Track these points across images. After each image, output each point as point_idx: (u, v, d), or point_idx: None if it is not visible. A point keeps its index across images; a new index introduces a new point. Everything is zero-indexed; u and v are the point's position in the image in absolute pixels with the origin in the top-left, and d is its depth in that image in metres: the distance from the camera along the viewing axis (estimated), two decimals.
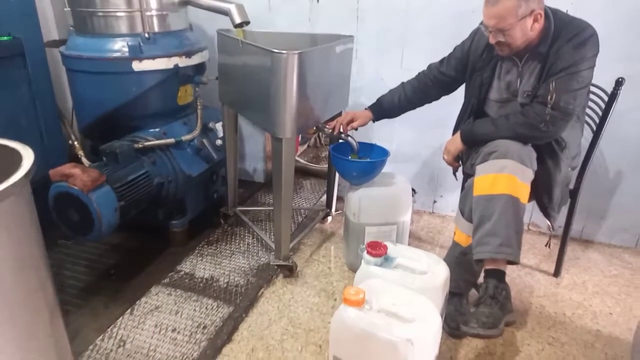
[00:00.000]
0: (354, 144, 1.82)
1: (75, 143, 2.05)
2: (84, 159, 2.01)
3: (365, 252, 1.39)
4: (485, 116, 1.66)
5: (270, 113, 1.61)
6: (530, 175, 1.43)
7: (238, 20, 1.81)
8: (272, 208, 2.33)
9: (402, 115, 1.94)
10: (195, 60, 1.98)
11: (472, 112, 1.68)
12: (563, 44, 1.40)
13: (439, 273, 1.35)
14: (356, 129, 1.81)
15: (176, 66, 1.89)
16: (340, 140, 1.88)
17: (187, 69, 1.96)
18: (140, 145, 1.84)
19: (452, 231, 2.32)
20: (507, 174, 1.39)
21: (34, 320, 0.94)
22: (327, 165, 2.83)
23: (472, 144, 1.57)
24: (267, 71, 1.55)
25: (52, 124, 2.05)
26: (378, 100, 1.86)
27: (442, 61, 1.76)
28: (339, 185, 2.40)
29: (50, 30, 2.44)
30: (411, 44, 2.21)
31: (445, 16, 2.10)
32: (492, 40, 1.46)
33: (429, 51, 2.05)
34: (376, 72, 2.32)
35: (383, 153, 1.85)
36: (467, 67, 1.66)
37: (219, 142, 2.15)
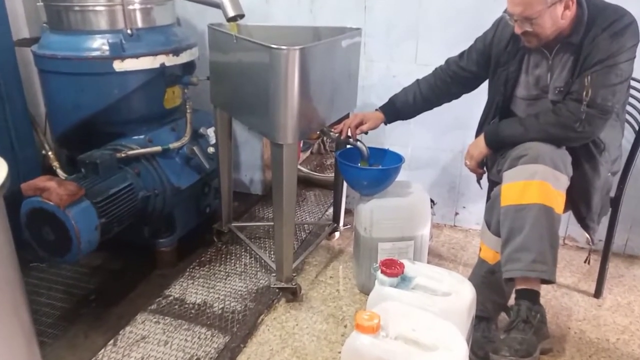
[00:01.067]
0: (364, 149, 1.84)
1: (50, 153, 2.07)
2: (59, 171, 2.03)
3: (379, 271, 1.40)
4: (512, 116, 1.67)
5: (269, 116, 1.63)
6: (565, 181, 1.44)
7: (231, 13, 1.83)
8: (271, 223, 2.35)
9: (418, 116, 1.94)
10: (183, 58, 2.01)
11: (497, 111, 1.69)
12: (598, 33, 1.41)
13: (464, 294, 1.35)
14: (366, 133, 1.83)
15: (162, 65, 1.91)
16: (348, 146, 1.89)
17: (174, 69, 1.99)
18: (122, 155, 1.86)
19: (477, 247, 2.32)
20: (538, 181, 1.39)
21: (8, 349, 0.95)
22: (333, 174, 2.84)
23: (498, 147, 1.58)
24: (265, 69, 1.58)
25: (24, 132, 2.07)
26: (390, 100, 1.87)
27: (461, 55, 1.77)
28: (347, 196, 2.41)
29: (21, 27, 2.48)
30: (426, 36, 2.23)
31: (464, 4, 2.12)
32: (518, 31, 1.47)
33: (446, 44, 2.08)
34: (387, 69, 2.34)
35: (397, 159, 1.86)
36: (491, 61, 1.68)
37: (211, 149, 2.17)
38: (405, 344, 1.17)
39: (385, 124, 1.87)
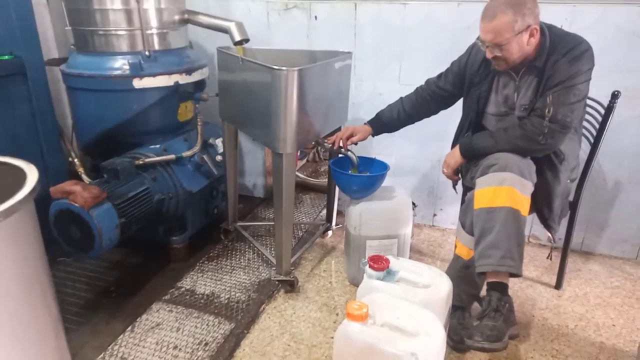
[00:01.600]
0: (354, 158, 1.84)
1: (76, 160, 2.05)
2: (84, 176, 2.02)
3: (368, 266, 1.40)
4: (484, 130, 1.68)
5: (270, 129, 1.62)
6: (530, 187, 1.45)
7: (238, 37, 1.83)
8: (272, 223, 2.34)
9: (402, 129, 1.95)
10: (195, 77, 2.00)
11: (471, 125, 1.70)
12: (559, 58, 1.42)
13: (442, 286, 1.35)
14: (356, 144, 1.83)
15: (176, 83, 1.91)
16: (340, 155, 1.90)
17: (187, 86, 1.99)
18: (140, 162, 1.85)
19: (452, 244, 2.33)
20: (507, 187, 1.40)
21: (39, 336, 0.94)
22: (326, 180, 2.85)
23: (472, 157, 1.58)
24: (267, 87, 1.58)
25: (53, 142, 2.06)
26: (377, 115, 1.88)
27: (439, 76, 1.79)
28: (339, 199, 2.41)
29: (50, 48, 2.47)
30: (408, 59, 2.24)
31: (441, 32, 2.14)
32: (489, 55, 1.48)
33: (425, 66, 2.09)
34: (374, 87, 2.35)
35: (383, 167, 1.87)
36: (465, 82, 1.69)
37: (219, 157, 2.16)
38: (390, 330, 1.17)
39: (373, 136, 1.88)
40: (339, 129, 1.98)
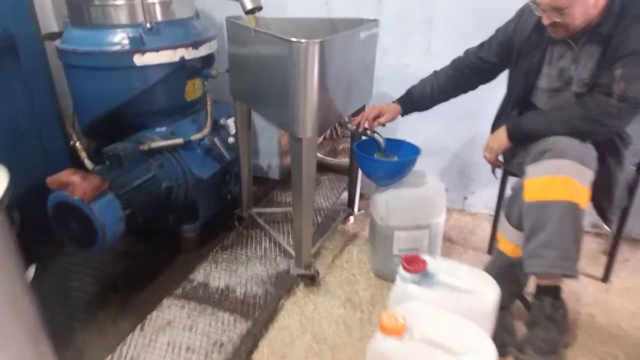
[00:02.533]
0: (381, 141, 1.65)
1: (77, 144, 1.90)
2: (86, 161, 1.86)
3: (401, 267, 1.23)
4: (533, 107, 1.48)
5: (288, 110, 1.44)
6: (590, 176, 1.25)
7: (249, 5, 1.63)
8: (289, 209, 2.19)
9: None
10: (203, 51, 1.81)
11: (518, 103, 1.49)
12: (631, 23, 1.20)
13: (488, 293, 1.19)
14: (383, 125, 1.64)
15: (182, 59, 1.72)
16: (365, 137, 1.71)
17: (194, 62, 1.80)
18: (145, 147, 1.69)
19: (485, 230, 2.15)
20: (564, 177, 1.21)
21: (7, 350, 0.81)
22: (345, 159, 2.67)
23: (521, 140, 1.38)
24: (284, 63, 1.38)
25: (52, 124, 1.91)
26: (407, 91, 1.68)
27: (481, 46, 1.57)
28: (361, 183, 2.23)
29: (50, 21, 2.28)
30: (439, 27, 2.01)
31: None
32: (545, 21, 1.26)
33: (459, 34, 1.88)
34: (399, 59, 2.13)
35: (413, 151, 1.68)
36: (512, 52, 1.47)
37: (231, 139, 1.99)
38: (431, 346, 1.02)
39: (402, 115, 1.68)
40: (363, 108, 1.78)
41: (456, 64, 1.62)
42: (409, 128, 2.18)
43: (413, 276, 1.21)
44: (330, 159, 2.76)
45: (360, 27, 1.62)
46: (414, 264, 1.22)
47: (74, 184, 1.44)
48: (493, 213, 2.24)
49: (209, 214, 2.03)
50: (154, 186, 1.70)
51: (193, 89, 1.89)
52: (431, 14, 2.00)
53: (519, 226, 1.35)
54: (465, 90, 1.65)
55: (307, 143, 1.46)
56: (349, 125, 1.65)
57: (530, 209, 1.27)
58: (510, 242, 1.41)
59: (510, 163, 1.52)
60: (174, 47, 1.69)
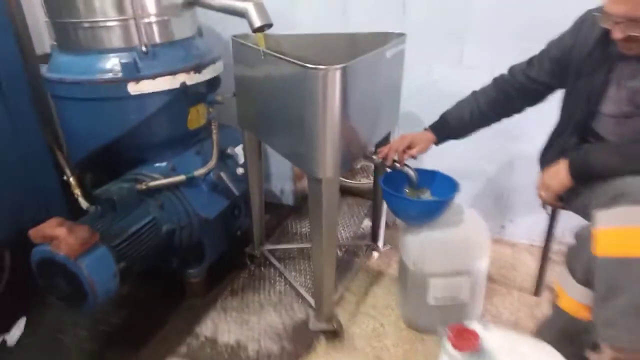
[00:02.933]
0: (413, 175, 1.44)
1: (71, 179, 1.72)
2: (80, 200, 1.68)
3: (448, 340, 1.01)
4: (594, 135, 1.25)
5: (304, 146, 1.24)
6: None
7: (258, 23, 1.43)
8: (306, 245, 1.98)
9: None
10: (206, 74, 1.62)
11: (576, 129, 1.27)
12: None
13: None
14: (415, 157, 1.42)
15: (183, 84, 1.53)
16: (389, 169, 1.50)
17: (197, 87, 1.60)
18: (143, 187, 1.50)
19: (528, 265, 1.93)
20: None
21: None
22: (365, 181, 2.46)
23: (586, 179, 1.16)
24: (301, 92, 1.18)
25: (40, 157, 1.73)
26: (442, 117, 1.46)
27: (530, 63, 1.34)
28: (386, 210, 2.01)
29: (45, 42, 2.12)
30: (473, 35, 1.79)
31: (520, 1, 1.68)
32: (618, 35, 1.04)
33: (497, 43, 1.69)
34: (428, 73, 1.91)
35: (449, 184, 1.46)
36: (569, 70, 1.25)
37: (240, 170, 1.79)
38: None
39: (436, 144, 1.46)
40: (388, 136, 1.57)
41: (500, 84, 1.39)
42: (437, 149, 1.97)
43: (464, 355, 0.99)
44: (348, 181, 2.54)
45: (386, 44, 1.41)
46: (464, 340, 1.00)
47: (59, 237, 1.25)
48: (536, 243, 2.02)
49: (217, 254, 1.84)
50: (153, 231, 1.50)
51: (197, 117, 1.70)
52: (464, 22, 1.78)
53: (586, 282, 1.13)
54: (509, 114, 1.43)
55: (327, 184, 1.25)
56: (374, 158, 1.44)
57: (605, 266, 1.04)
58: (574, 299, 1.18)
59: (570, 203, 1.28)
60: (174, 72, 1.50)
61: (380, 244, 1.97)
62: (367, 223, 2.22)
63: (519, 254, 2.02)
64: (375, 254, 1.98)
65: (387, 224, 2.09)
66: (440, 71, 1.89)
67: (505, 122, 1.75)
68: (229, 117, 1.85)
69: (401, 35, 1.50)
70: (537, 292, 1.76)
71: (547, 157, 1.40)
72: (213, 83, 1.72)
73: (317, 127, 1.19)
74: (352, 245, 2.06)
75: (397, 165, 1.42)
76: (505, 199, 2.03)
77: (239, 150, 1.85)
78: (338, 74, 1.12)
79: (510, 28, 1.72)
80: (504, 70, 1.74)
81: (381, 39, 1.52)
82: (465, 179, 1.99)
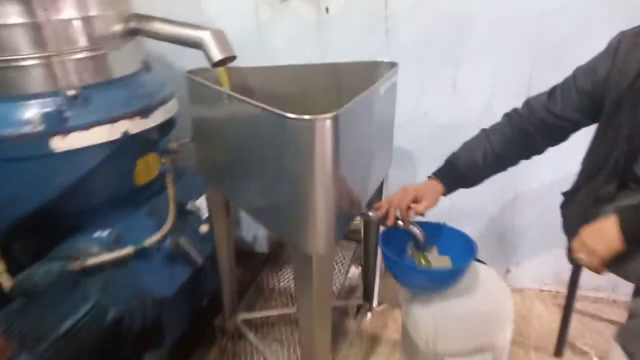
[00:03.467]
0: (419, 235, 1.18)
1: None
2: (3, 278, 1.33)
3: None
4: (636, 180, 1.04)
5: (288, 214, 0.96)
6: None
7: (218, 56, 1.16)
8: (287, 311, 1.69)
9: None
10: (156, 118, 1.32)
11: (615, 173, 1.05)
12: None
13: None
14: (422, 215, 1.16)
15: (126, 134, 1.23)
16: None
17: (145, 134, 1.31)
18: (78, 267, 1.18)
19: (541, 315, 1.71)
20: None
21: None
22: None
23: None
24: (280, 145, 0.91)
25: None
26: (449, 162, 1.22)
27: (552, 96, 1.13)
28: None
29: None
30: (467, 60, 1.58)
31: (524, 20, 1.48)
32: None
33: (495, 66, 1.51)
34: (417, 103, 1.69)
35: (461, 241, 1.22)
36: (603, 105, 1.04)
37: (203, 228, 1.50)
38: None
39: (445, 194, 1.21)
40: (381, 185, 1.33)
41: (515, 121, 1.17)
42: None
43: None
44: None
45: (375, 75, 1.17)
46: None
47: None
48: (546, 288, 1.82)
49: (179, 331, 1.52)
50: (95, 322, 1.18)
51: (146, 169, 1.40)
52: (457, 45, 1.57)
53: None
54: (529, 156, 1.21)
55: (320, 262, 0.98)
56: (371, 215, 1.17)
57: None
58: None
59: (619, 267, 1.05)
60: (113, 120, 1.20)
61: (374, 303, 1.70)
62: (354, 271, 1.95)
63: (530, 303, 1.80)
64: (369, 314, 1.71)
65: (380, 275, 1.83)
66: (431, 101, 1.67)
67: None
68: (190, 156, 1.55)
69: (393, 65, 1.27)
70: (558, 351, 1.54)
71: (574, 206, 1.18)
72: (166, 127, 1.42)
73: (304, 190, 0.92)
74: (341, 300, 1.78)
75: (401, 224, 1.16)
76: (509, 239, 1.82)
77: (201, 202, 1.56)
78: (329, 125, 0.86)
79: (510, 50, 1.52)
80: (502, 98, 1.54)
81: (369, 70, 1.28)
82: (464, 219, 1.77)
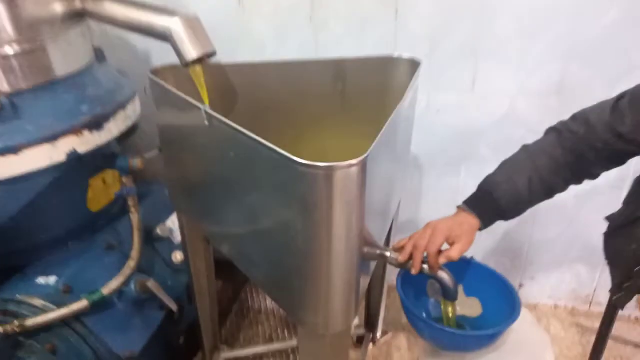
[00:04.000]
0: (449, 284, 0.96)
1: None
2: None
3: None
4: None
5: (295, 285, 0.73)
6: None
7: (192, 54, 0.88)
8: (279, 346, 1.47)
9: (472, 169, 1.40)
10: (113, 130, 1.04)
11: None
12: None
13: None
14: (456, 260, 0.93)
15: (73, 155, 0.95)
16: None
17: (99, 151, 1.03)
18: (16, 329, 0.92)
19: (561, 338, 1.56)
20: None
21: None
22: None
23: None
24: (286, 196, 0.67)
25: None
26: (485, 190, 0.98)
27: (616, 111, 0.90)
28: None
29: None
30: (490, 55, 1.35)
31: (559, 5, 1.24)
32: None
33: (522, 66, 1.31)
34: (428, 100, 1.45)
35: (494, 282, 1.01)
36: None
37: (178, 257, 1.26)
38: None
39: (481, 229, 0.99)
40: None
41: (568, 141, 0.94)
42: (441, 198, 1.54)
43: None
44: None
45: (394, 79, 0.92)
46: None
47: None
48: (561, 303, 1.68)
49: None
50: None
51: (102, 191, 1.13)
52: (478, 35, 1.32)
53: None
54: (581, 181, 0.99)
55: (335, 341, 0.75)
56: (391, 257, 0.93)
57: None
58: None
59: None
60: (54, 138, 0.92)
61: (378, 333, 1.50)
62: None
63: (546, 321, 1.64)
64: (371, 345, 1.51)
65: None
66: (445, 98, 1.43)
67: None
68: (160, 165, 1.28)
69: (415, 63, 1.02)
70: None
71: (626, 241, 0.99)
72: (126, 136, 1.15)
73: (317, 257, 0.68)
74: None
75: (425, 268, 0.94)
76: (526, 253, 1.64)
77: (173, 223, 1.30)
78: (354, 173, 0.62)
79: (539, 43, 1.29)
80: (528, 99, 1.33)
81: (381, 68, 1.03)
82: (478, 234, 1.58)
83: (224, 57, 1.43)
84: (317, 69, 1.10)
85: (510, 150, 1.44)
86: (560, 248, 1.59)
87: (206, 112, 0.76)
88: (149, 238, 1.23)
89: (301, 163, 0.60)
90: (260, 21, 1.42)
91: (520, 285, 1.71)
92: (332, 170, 0.60)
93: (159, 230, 1.22)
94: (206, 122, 0.77)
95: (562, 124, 0.97)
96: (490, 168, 1.38)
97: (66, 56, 1.02)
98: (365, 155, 0.61)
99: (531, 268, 1.66)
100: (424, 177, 1.57)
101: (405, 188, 1.20)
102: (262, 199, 0.73)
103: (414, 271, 0.92)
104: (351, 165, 0.61)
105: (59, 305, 0.97)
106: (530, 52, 1.31)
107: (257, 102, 1.09)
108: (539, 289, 1.69)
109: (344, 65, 1.09)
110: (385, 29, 1.37)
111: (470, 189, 1.54)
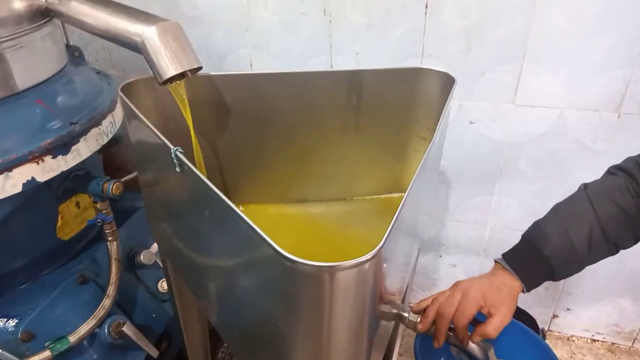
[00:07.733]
0: (479, 355, 0.81)
1: None
2: None
3: None
4: None
5: None
6: None
7: (169, 71, 0.72)
8: None
9: (509, 187, 1.26)
10: (81, 152, 0.90)
11: None
12: None
13: None
14: (493, 338, 0.78)
15: (31, 183, 0.81)
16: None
17: (67, 175, 0.89)
18: None
19: None
20: None
21: None
22: None
23: None
24: (274, 292, 0.52)
25: None
26: (530, 243, 0.81)
27: None
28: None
29: None
30: (538, 58, 1.15)
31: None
32: None
33: (576, 72, 1.11)
34: (459, 109, 1.27)
35: (531, 346, 0.86)
36: None
37: (164, 285, 1.14)
38: None
39: (524, 292, 0.82)
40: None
41: (634, 188, 0.77)
42: (469, 214, 1.38)
43: None
44: None
45: (419, 97, 0.76)
46: None
47: None
48: (599, 338, 1.52)
49: None
50: None
51: (76, 216, 0.99)
52: (524, 34, 1.13)
53: None
54: None
55: None
56: (409, 319, 0.78)
57: None
58: None
59: None
60: (4, 169, 0.78)
61: None
62: None
63: (581, 357, 1.49)
64: None
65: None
66: (481, 107, 1.25)
67: (561, 180, 1.21)
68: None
69: (450, 79, 0.85)
70: None
71: None
72: (107, 148, 1.00)
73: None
74: None
75: (453, 337, 0.79)
76: (562, 282, 1.48)
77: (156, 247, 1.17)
78: (365, 271, 0.46)
79: (598, 47, 1.09)
80: (581, 111, 1.16)
81: (407, 80, 0.85)
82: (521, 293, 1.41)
83: (224, 47, 1.28)
84: (328, 80, 0.93)
85: (554, 168, 1.26)
86: (603, 278, 1.43)
87: (176, 156, 0.61)
88: (132, 264, 1.11)
89: (301, 262, 0.45)
90: (266, 8, 1.24)
91: (554, 316, 1.55)
92: (332, 271, 0.45)
93: (142, 258, 1.09)
94: (177, 169, 0.62)
95: (631, 161, 0.79)
96: (531, 187, 1.22)
97: (30, 65, 0.87)
98: (378, 247, 0.46)
99: (568, 298, 1.51)
100: (451, 192, 1.41)
101: (427, 230, 1.02)
102: (241, 280, 0.58)
103: (436, 344, 0.77)
104: (366, 262, 0.45)
105: (19, 355, 0.85)
106: (587, 55, 1.11)
107: (255, 116, 0.94)
108: (574, 319, 1.54)
109: (362, 77, 0.92)
110: (412, 21, 1.18)
111: (504, 208, 1.37)
